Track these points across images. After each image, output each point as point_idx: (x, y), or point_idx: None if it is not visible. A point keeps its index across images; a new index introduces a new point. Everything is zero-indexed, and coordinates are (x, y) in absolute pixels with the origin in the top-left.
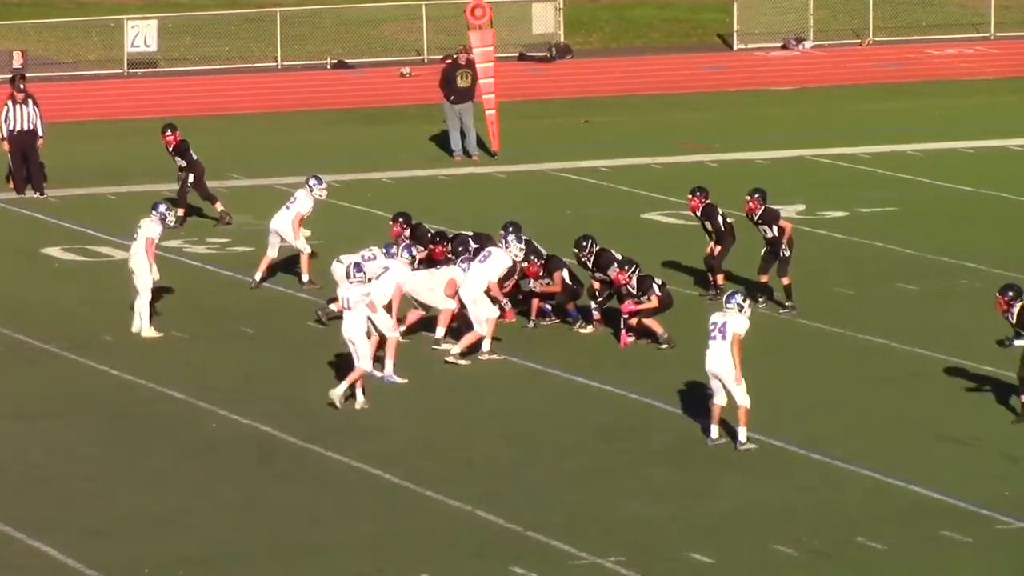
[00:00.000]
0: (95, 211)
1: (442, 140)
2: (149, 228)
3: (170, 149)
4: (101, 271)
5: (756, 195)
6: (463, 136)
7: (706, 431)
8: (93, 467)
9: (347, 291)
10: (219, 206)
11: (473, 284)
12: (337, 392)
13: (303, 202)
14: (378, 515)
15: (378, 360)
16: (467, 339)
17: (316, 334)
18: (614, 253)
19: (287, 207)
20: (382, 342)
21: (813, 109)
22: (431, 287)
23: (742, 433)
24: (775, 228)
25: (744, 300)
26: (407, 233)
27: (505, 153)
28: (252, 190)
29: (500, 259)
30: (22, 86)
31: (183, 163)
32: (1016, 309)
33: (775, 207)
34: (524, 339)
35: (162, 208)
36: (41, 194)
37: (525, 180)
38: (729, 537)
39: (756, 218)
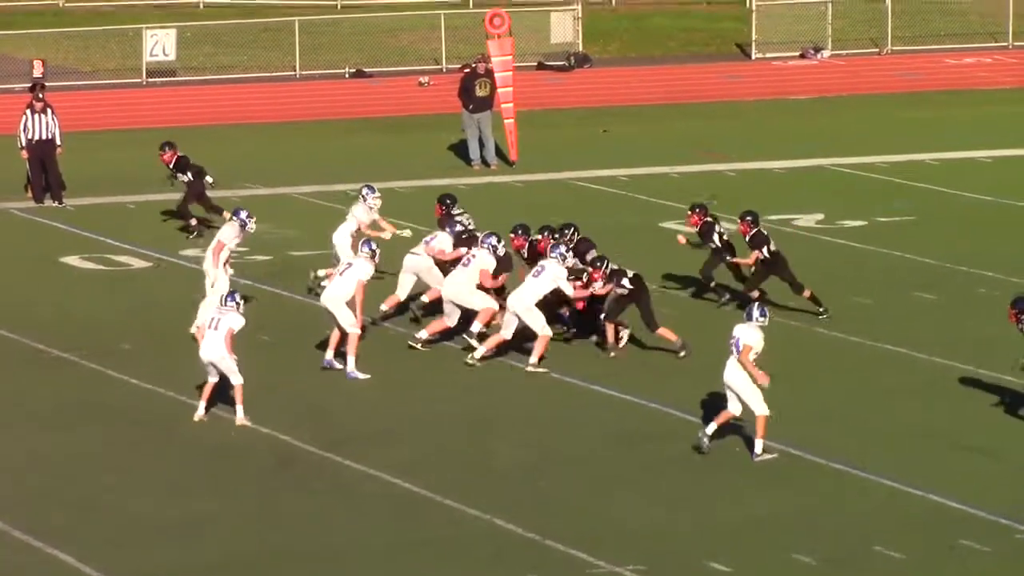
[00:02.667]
0: (114, 220)
1: (461, 149)
2: (224, 231)
3: (170, 167)
4: (120, 280)
5: (748, 218)
6: (482, 145)
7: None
8: (111, 475)
9: (218, 313)
10: (227, 215)
11: (526, 294)
12: (238, 417)
13: (361, 214)
14: (395, 524)
15: (340, 355)
16: (492, 341)
17: None
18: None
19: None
20: (343, 338)
21: (831, 118)
22: (471, 290)
23: (758, 445)
24: (765, 251)
25: (761, 314)
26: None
27: (524, 162)
28: (270, 199)
29: (554, 271)
30: (41, 95)
31: (186, 178)
32: None
33: (765, 232)
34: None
35: (243, 214)
36: (60, 203)
37: (543, 189)
38: (747, 545)
39: (747, 240)
